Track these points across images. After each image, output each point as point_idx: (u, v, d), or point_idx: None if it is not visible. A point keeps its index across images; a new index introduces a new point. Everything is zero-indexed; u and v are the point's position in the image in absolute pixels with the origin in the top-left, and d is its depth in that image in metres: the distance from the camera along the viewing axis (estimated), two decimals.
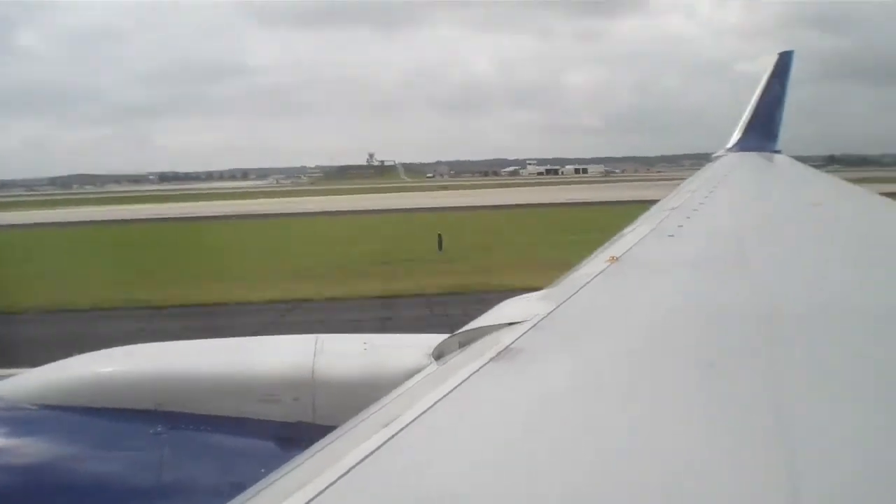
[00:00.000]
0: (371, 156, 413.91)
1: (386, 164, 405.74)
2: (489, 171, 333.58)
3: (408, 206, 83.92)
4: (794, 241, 4.24)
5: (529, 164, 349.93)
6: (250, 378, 3.29)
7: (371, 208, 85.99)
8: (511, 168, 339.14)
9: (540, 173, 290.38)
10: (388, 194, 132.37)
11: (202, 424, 3.21)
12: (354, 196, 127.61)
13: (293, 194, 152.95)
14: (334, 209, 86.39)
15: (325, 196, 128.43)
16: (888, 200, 6.46)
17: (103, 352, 3.67)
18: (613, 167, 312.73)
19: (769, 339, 2.19)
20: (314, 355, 3.33)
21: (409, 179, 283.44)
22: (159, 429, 3.17)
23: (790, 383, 1.82)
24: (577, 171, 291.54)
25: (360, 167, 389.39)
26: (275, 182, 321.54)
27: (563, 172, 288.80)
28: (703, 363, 1.99)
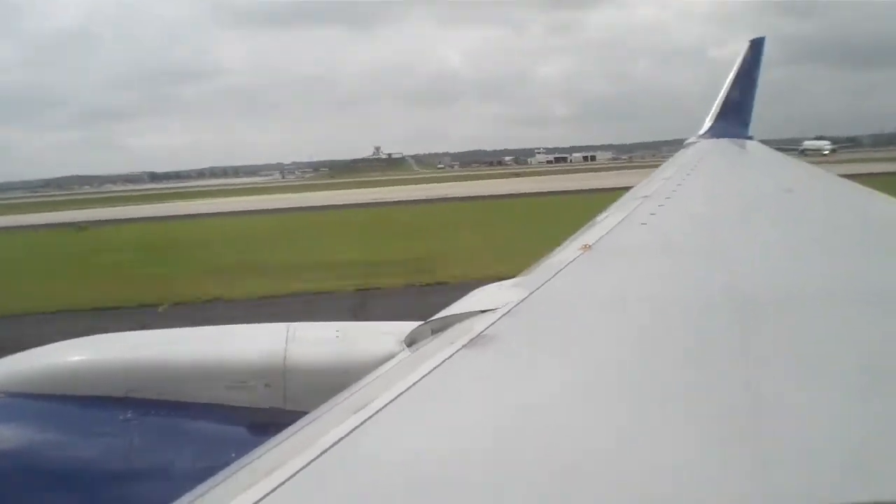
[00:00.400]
0: (377, 149, 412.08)
1: (394, 156, 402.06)
2: (493, 161, 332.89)
3: (471, 194, 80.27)
4: (766, 227, 4.27)
5: (538, 152, 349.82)
6: (221, 365, 3.27)
7: (433, 197, 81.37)
8: (508, 158, 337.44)
9: (549, 161, 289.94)
10: (427, 185, 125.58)
11: (173, 411, 3.19)
12: (396, 187, 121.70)
13: (319, 188, 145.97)
14: (399, 199, 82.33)
15: (363, 188, 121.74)
16: (857, 185, 6.55)
17: (73, 341, 3.64)
18: (619, 154, 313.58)
19: (741, 327, 2.20)
20: (286, 342, 3.32)
21: (421, 171, 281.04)
22: (129, 415, 3.15)
23: (761, 371, 1.83)
24: (585, 158, 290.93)
25: (368, 160, 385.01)
26: (281, 177, 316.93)
27: (571, 160, 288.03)
28: (675, 351, 2.00)
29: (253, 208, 79.67)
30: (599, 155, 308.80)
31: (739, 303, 2.45)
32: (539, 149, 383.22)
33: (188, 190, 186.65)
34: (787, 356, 1.94)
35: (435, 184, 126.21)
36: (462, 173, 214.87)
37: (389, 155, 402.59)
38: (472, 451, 1.49)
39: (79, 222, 67.78)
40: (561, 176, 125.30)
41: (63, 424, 3.20)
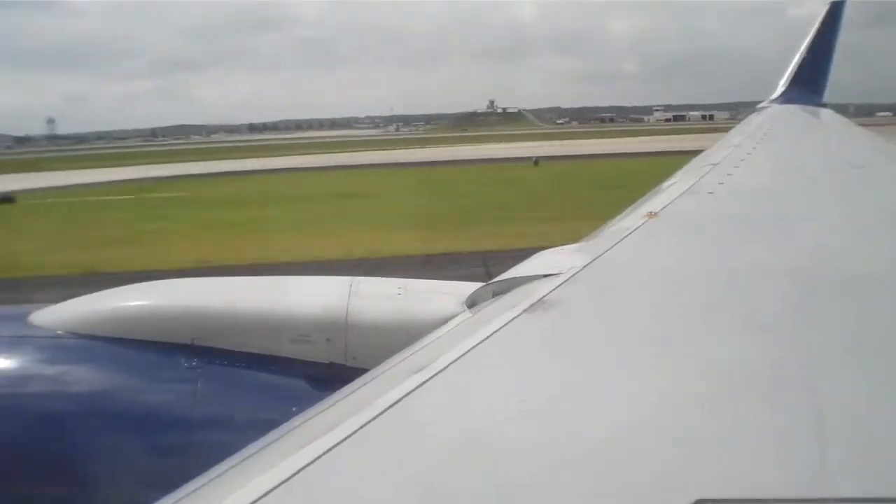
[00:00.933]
0: (492, 102, 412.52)
1: (509, 110, 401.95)
2: (605, 117, 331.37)
3: (627, 151, 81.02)
4: (834, 203, 4.16)
5: (656, 110, 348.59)
6: (285, 317, 3.32)
7: (594, 153, 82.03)
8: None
9: (668, 119, 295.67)
10: (564, 140, 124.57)
11: (236, 361, 3.25)
12: (537, 142, 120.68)
13: (454, 141, 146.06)
14: (558, 153, 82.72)
15: (504, 143, 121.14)
16: None
17: (140, 285, 3.73)
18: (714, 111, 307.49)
19: (802, 306, 2.16)
20: (349, 297, 3.35)
21: (543, 125, 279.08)
22: (194, 363, 3.22)
23: (822, 350, 1.79)
24: (703, 117, 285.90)
25: (485, 114, 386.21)
26: (395, 129, 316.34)
27: (689, 118, 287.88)
28: (736, 325, 1.97)
29: (433, 159, 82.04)
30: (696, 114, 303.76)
31: (801, 281, 2.39)
32: (657, 106, 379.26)
33: (337, 140, 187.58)
34: (848, 341, 1.90)
35: (571, 140, 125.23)
36: (588, 129, 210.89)
37: (504, 109, 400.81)
38: (529, 415, 1.49)
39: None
40: (690, 135, 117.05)
41: (128, 367, 3.27)
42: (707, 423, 1.42)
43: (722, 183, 4.48)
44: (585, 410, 1.51)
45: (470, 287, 3.15)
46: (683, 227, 3.35)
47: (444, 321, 2.84)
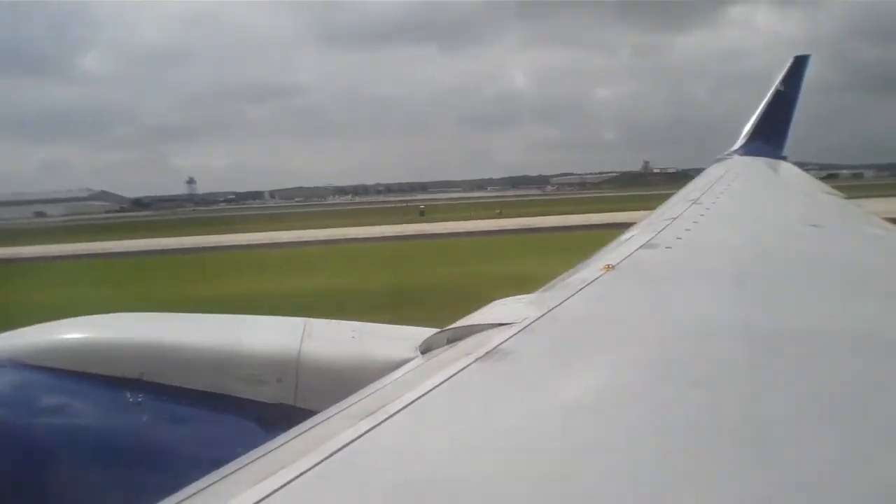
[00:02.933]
0: (647, 163, 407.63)
1: (668, 171, 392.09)
2: None
3: None
4: (792, 261, 4.22)
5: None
6: (236, 356, 3.28)
7: None
8: None
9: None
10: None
11: (184, 397, 3.21)
12: None
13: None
14: None
15: None
16: (890, 226, 6.45)
17: (91, 317, 3.66)
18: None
19: (758, 361, 2.18)
20: (301, 339, 3.33)
21: None
22: (140, 398, 3.17)
23: (775, 407, 1.81)
24: (854, 175, 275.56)
25: (642, 174, 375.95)
26: (554, 188, 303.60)
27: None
28: (689, 380, 1.98)
29: None
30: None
31: (756, 338, 2.41)
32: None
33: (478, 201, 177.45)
34: (795, 395, 1.92)
35: None
36: None
37: (664, 170, 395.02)
38: (478, 464, 1.48)
39: None
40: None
41: (73, 400, 3.21)
42: (659, 478, 1.42)
43: (680, 238, 4.53)
44: (537, 461, 1.50)
45: (424, 333, 3.14)
46: (640, 281, 3.38)
47: (397, 366, 2.83)
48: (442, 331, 2.87)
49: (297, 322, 3.50)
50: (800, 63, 14.79)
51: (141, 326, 3.54)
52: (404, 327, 3.50)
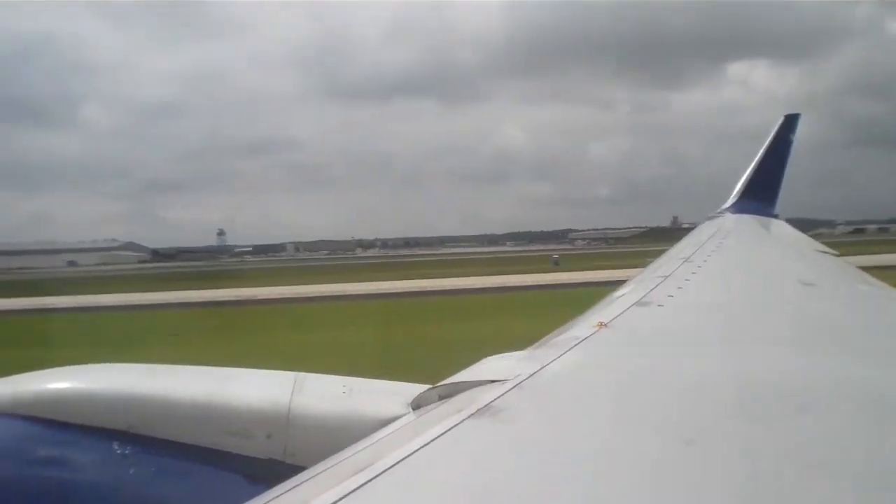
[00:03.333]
0: (675, 218, 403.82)
1: (684, 226, 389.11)
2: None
3: None
4: (785, 321, 4.23)
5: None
6: (225, 409, 3.25)
7: None
8: None
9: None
10: None
11: (172, 451, 3.17)
12: None
13: None
14: None
15: None
16: (884, 286, 6.48)
17: (78, 367, 3.64)
18: None
19: (751, 420, 2.18)
20: (292, 393, 3.30)
21: None
22: (128, 451, 3.14)
23: (768, 466, 1.80)
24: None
25: (672, 229, 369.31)
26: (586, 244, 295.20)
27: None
28: (681, 440, 1.98)
29: None
30: None
31: (749, 399, 2.41)
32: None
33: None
34: (788, 455, 1.91)
35: None
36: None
37: (693, 224, 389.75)
38: None
39: None
40: None
41: (60, 451, 3.17)
42: None
43: (672, 296, 4.55)
44: None
45: (416, 389, 3.13)
46: (632, 339, 3.38)
47: (389, 422, 2.81)
48: (434, 387, 2.86)
49: (287, 376, 3.48)
50: (790, 121, 14.93)
51: (129, 377, 3.51)
52: (396, 383, 3.48)
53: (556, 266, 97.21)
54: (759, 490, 1.63)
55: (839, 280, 7.12)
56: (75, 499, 3.10)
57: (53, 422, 3.20)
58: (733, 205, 14.58)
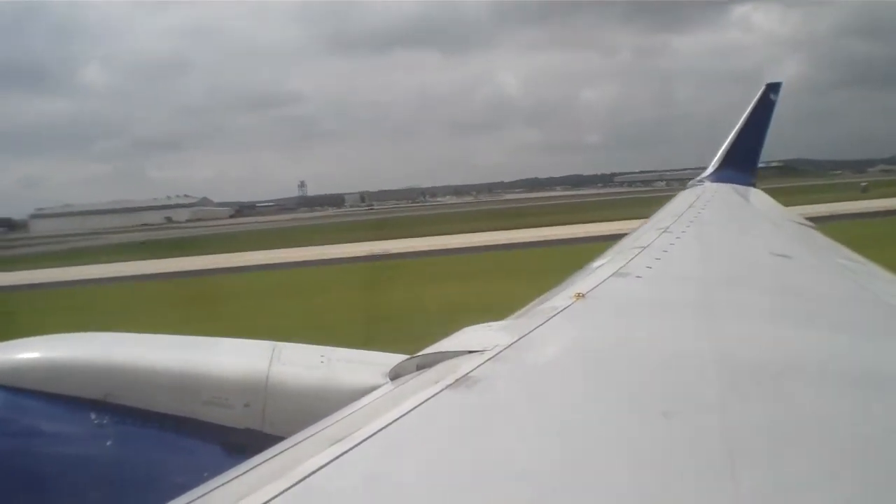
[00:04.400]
0: None
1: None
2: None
3: None
4: (761, 293, 4.26)
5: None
6: (203, 378, 3.23)
7: None
8: None
9: None
10: None
11: (149, 421, 3.16)
12: None
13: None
14: None
15: None
16: (859, 258, 6.53)
17: (56, 336, 3.61)
18: None
19: (728, 391, 2.19)
20: (270, 362, 3.29)
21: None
22: (105, 420, 3.12)
23: (745, 437, 1.82)
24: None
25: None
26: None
27: None
28: (658, 410, 1.99)
29: None
30: None
31: (725, 368, 2.44)
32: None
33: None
34: (765, 425, 1.94)
35: None
36: None
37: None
38: (446, 493, 1.48)
39: None
40: None
41: (39, 422, 3.16)
42: None
43: (650, 267, 4.56)
44: (503, 490, 1.50)
45: (394, 359, 3.13)
46: (610, 310, 3.39)
47: (366, 392, 2.81)
48: (411, 357, 2.86)
49: (265, 345, 3.47)
50: (772, 89, 14.87)
51: (106, 347, 3.48)
52: (374, 353, 3.48)
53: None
54: (736, 461, 1.65)
55: (815, 253, 7.17)
56: (51, 468, 3.09)
57: (28, 391, 3.17)
58: (713, 173, 14.59)
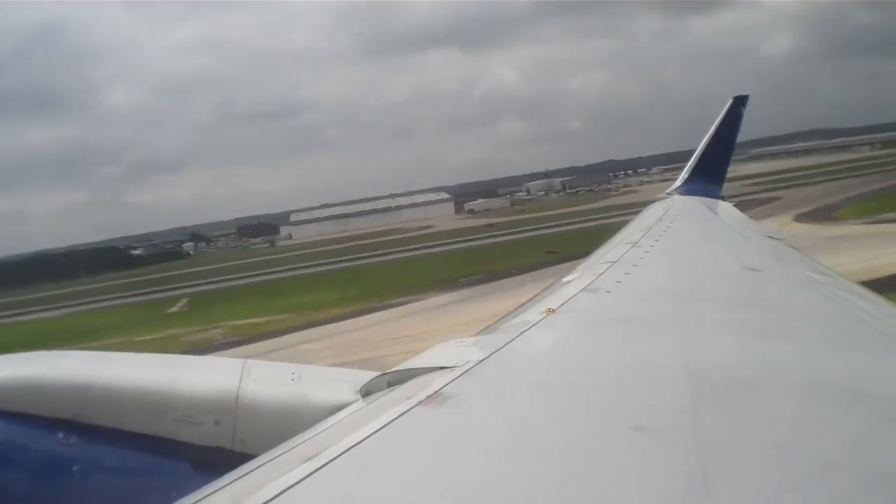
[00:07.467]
0: None
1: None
2: None
3: None
4: (729, 305, 4.30)
5: None
6: (172, 396, 3.20)
7: None
8: None
9: None
10: None
11: (120, 440, 3.12)
12: None
13: None
14: None
15: None
16: (827, 271, 6.61)
17: (24, 355, 3.56)
18: None
19: (695, 404, 2.22)
20: (240, 380, 3.27)
21: None
22: (73, 440, 3.08)
23: (716, 451, 1.84)
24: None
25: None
26: None
27: None
28: (628, 424, 2.01)
29: None
30: None
31: (694, 382, 2.46)
32: None
33: None
34: (733, 437, 1.96)
35: None
36: None
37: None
38: None
39: None
40: None
41: (7, 442, 3.11)
42: None
43: (619, 281, 4.59)
44: None
45: (365, 375, 3.12)
46: (580, 325, 3.41)
47: (337, 409, 2.80)
48: (383, 374, 2.86)
49: (235, 363, 3.44)
50: (739, 102, 15.00)
51: (76, 365, 3.44)
52: (345, 370, 3.47)
53: None
54: (707, 474, 1.67)
55: (785, 266, 7.24)
56: (19, 489, 3.04)
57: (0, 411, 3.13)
58: (681, 186, 14.68)
